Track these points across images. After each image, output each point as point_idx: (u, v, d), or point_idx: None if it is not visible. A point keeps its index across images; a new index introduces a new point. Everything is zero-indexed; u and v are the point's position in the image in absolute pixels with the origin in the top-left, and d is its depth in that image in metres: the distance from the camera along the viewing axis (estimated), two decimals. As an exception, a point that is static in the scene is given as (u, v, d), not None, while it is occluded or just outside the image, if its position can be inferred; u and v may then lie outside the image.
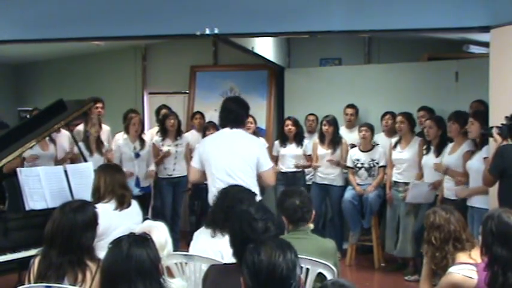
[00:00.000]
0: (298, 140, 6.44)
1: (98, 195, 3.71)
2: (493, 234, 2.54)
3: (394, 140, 5.86)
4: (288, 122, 6.47)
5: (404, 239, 5.60)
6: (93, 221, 2.78)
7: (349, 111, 6.61)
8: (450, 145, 5.11)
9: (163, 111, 6.67)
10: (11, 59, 8.23)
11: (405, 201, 5.49)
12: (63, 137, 5.96)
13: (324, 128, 6.23)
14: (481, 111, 5.01)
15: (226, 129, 4.11)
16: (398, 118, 5.76)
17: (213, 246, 3.07)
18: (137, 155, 5.92)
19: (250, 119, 6.29)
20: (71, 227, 2.67)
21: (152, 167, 6.09)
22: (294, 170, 6.39)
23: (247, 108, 4.22)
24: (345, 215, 6.10)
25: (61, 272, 2.61)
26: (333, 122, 6.24)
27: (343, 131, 6.50)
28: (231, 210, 2.95)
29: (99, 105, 6.18)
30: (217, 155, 4.01)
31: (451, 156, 5.00)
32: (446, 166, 4.98)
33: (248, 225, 2.45)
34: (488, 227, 2.56)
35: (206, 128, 6.38)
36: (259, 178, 4.07)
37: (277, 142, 6.63)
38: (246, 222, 2.46)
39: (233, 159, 3.97)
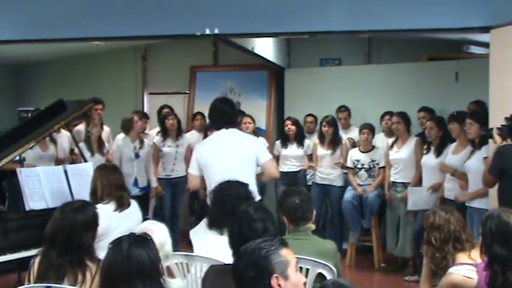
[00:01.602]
0: (299, 140, 6.44)
1: (96, 197, 3.68)
2: (492, 234, 2.53)
3: (391, 140, 5.86)
4: (288, 122, 6.47)
5: (404, 239, 5.59)
6: (94, 221, 2.78)
7: (342, 115, 6.58)
8: (453, 145, 5.08)
9: (165, 110, 6.67)
10: (11, 59, 8.22)
11: (407, 209, 5.45)
12: (64, 137, 5.96)
13: (324, 128, 6.22)
14: (478, 111, 5.00)
15: (223, 131, 4.11)
16: (394, 119, 5.75)
17: (221, 246, 3.04)
18: (137, 155, 5.89)
19: (248, 119, 6.30)
20: (71, 227, 2.67)
21: (154, 183, 6.03)
22: (295, 169, 6.39)
23: (235, 107, 4.38)
24: (345, 215, 6.09)
25: (61, 272, 2.61)
26: (333, 123, 6.23)
27: None
28: (227, 206, 2.99)
29: (99, 106, 6.17)
30: (216, 158, 4.01)
31: (455, 156, 4.97)
32: (455, 168, 4.92)
33: (247, 225, 2.45)
34: (487, 227, 2.56)
35: (208, 129, 6.27)
36: (263, 174, 4.10)
37: (278, 142, 6.62)
38: (245, 222, 2.47)
39: (232, 160, 3.97)
